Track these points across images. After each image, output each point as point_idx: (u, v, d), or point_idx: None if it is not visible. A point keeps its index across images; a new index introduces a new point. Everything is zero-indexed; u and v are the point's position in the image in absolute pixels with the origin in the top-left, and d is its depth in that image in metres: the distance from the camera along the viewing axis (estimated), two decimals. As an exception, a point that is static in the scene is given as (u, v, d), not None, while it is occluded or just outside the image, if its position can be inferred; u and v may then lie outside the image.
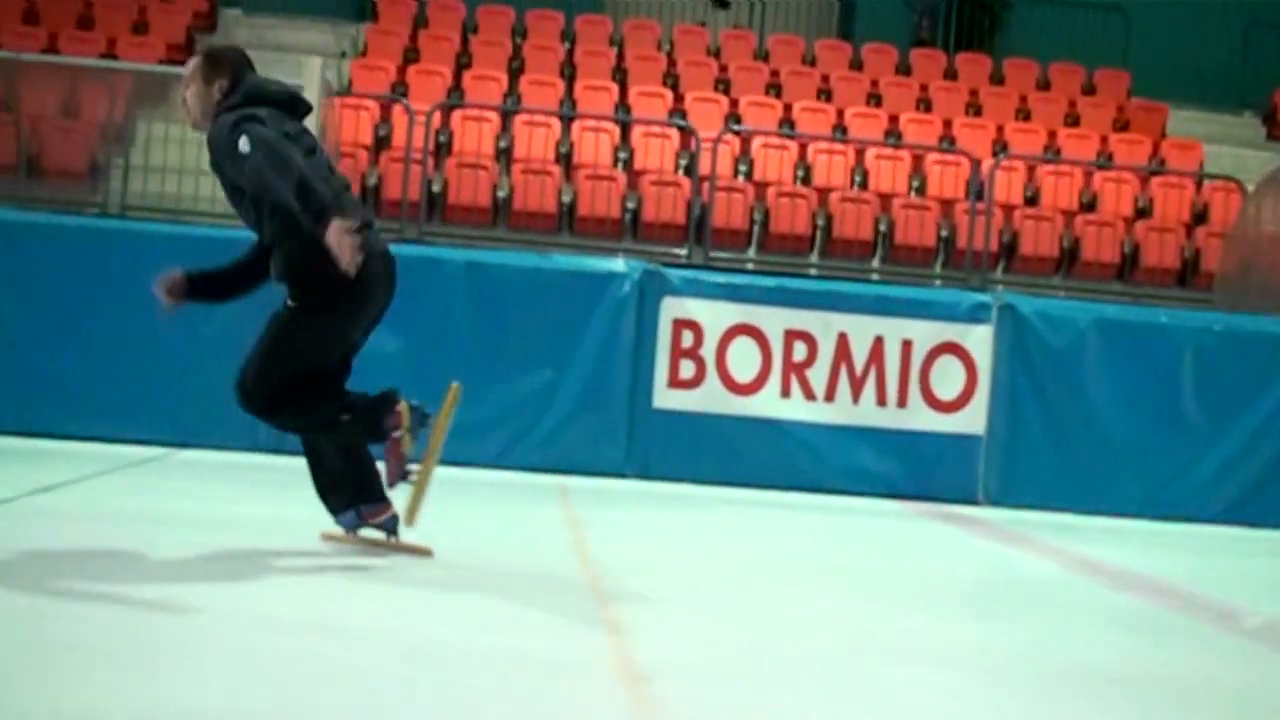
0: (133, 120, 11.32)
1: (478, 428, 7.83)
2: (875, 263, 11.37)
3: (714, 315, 7.98)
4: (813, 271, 11.12)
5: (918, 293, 8.48)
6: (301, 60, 13.40)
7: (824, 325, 8.01)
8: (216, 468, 7.20)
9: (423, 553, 4.68)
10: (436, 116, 11.18)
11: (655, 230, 11.15)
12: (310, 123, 11.64)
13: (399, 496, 4.71)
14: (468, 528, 5.82)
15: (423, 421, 4.56)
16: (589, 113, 12.19)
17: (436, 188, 11.01)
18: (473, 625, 3.76)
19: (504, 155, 11.71)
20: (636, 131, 11.98)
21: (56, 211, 9.34)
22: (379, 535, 4.77)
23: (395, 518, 4.70)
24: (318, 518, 5.62)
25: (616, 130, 12.01)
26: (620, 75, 13.35)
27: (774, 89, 13.47)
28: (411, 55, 13.23)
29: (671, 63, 13.67)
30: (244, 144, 4.12)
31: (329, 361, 4.55)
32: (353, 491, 4.69)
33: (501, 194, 11.22)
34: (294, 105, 4.48)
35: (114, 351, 7.68)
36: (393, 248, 8.51)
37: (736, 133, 11.89)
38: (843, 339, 8.01)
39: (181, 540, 4.71)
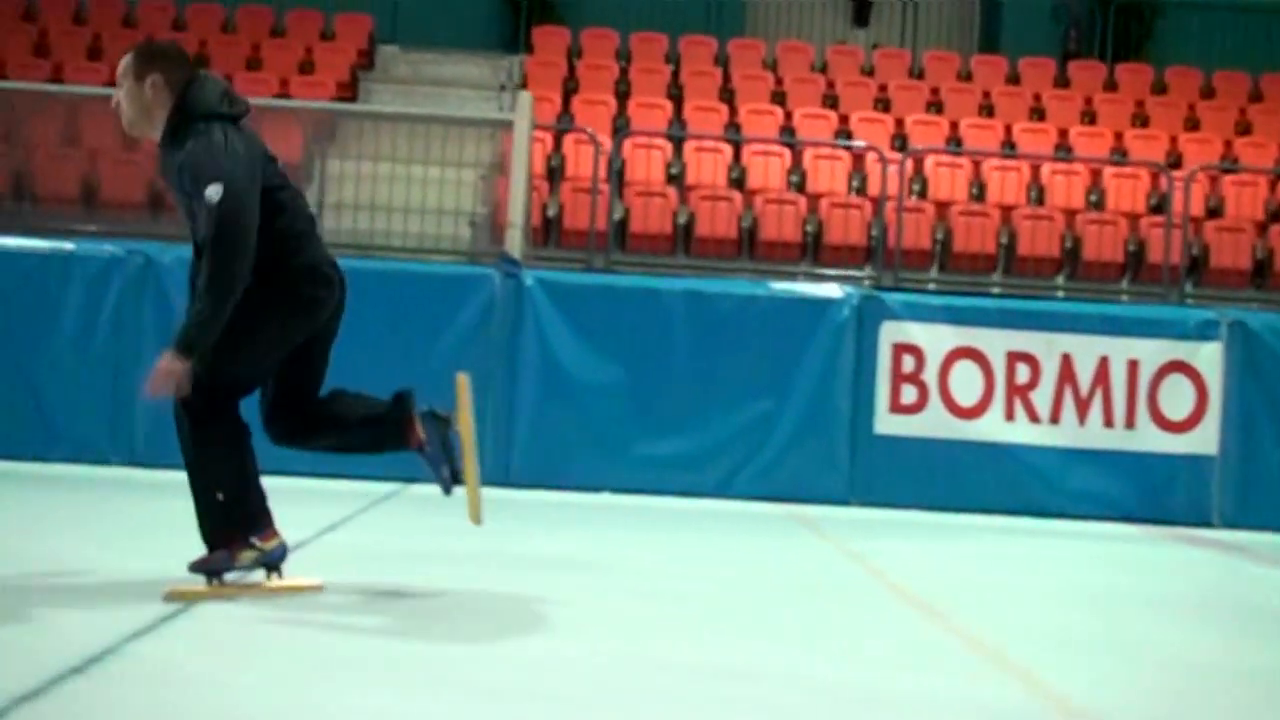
0: (309, 158, 11.51)
1: (699, 458, 7.86)
2: (1060, 280, 11.20)
3: (934, 339, 7.90)
4: (995, 290, 10.97)
5: (1143, 311, 8.34)
6: (464, 94, 13.63)
7: (1047, 346, 7.89)
8: (452, 502, 7.23)
9: (313, 589, 4.20)
10: (608, 145, 11.22)
11: (834, 253, 11.09)
12: (483, 153, 11.80)
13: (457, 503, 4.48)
14: (739, 560, 5.80)
15: (446, 425, 4.35)
16: (758, 136, 12.18)
17: (617, 216, 11.04)
18: (866, 662, 3.72)
19: (676, 181, 11.73)
20: (805, 154, 11.94)
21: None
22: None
23: (284, 549, 4.17)
24: (620, 553, 5.64)
25: (786, 153, 11.97)
26: (779, 97, 13.32)
27: (935, 106, 13.35)
28: (572, 85, 13.32)
29: (829, 84, 13.61)
30: (212, 193, 3.86)
31: (270, 368, 4.16)
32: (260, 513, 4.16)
33: (681, 220, 11.22)
34: (236, 112, 4.09)
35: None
36: (584, 279, 8.65)
37: (915, 153, 11.76)
38: (1066, 360, 7.88)
39: (503, 578, 4.74)
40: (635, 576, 5.15)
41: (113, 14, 13.85)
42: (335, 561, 4.86)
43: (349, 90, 13.12)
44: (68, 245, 7.90)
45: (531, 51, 14.06)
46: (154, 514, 5.99)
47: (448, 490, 4.41)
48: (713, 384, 7.87)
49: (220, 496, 4.06)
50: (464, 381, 4.37)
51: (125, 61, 4.10)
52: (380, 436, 4.38)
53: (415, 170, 10.93)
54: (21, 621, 3.65)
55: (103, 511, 6.33)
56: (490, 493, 7.52)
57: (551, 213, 11.14)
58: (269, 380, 4.21)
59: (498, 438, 7.83)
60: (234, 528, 4.06)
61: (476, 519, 4.45)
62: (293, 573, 4.27)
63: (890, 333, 7.89)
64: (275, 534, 4.13)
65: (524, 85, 13.42)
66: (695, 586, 4.94)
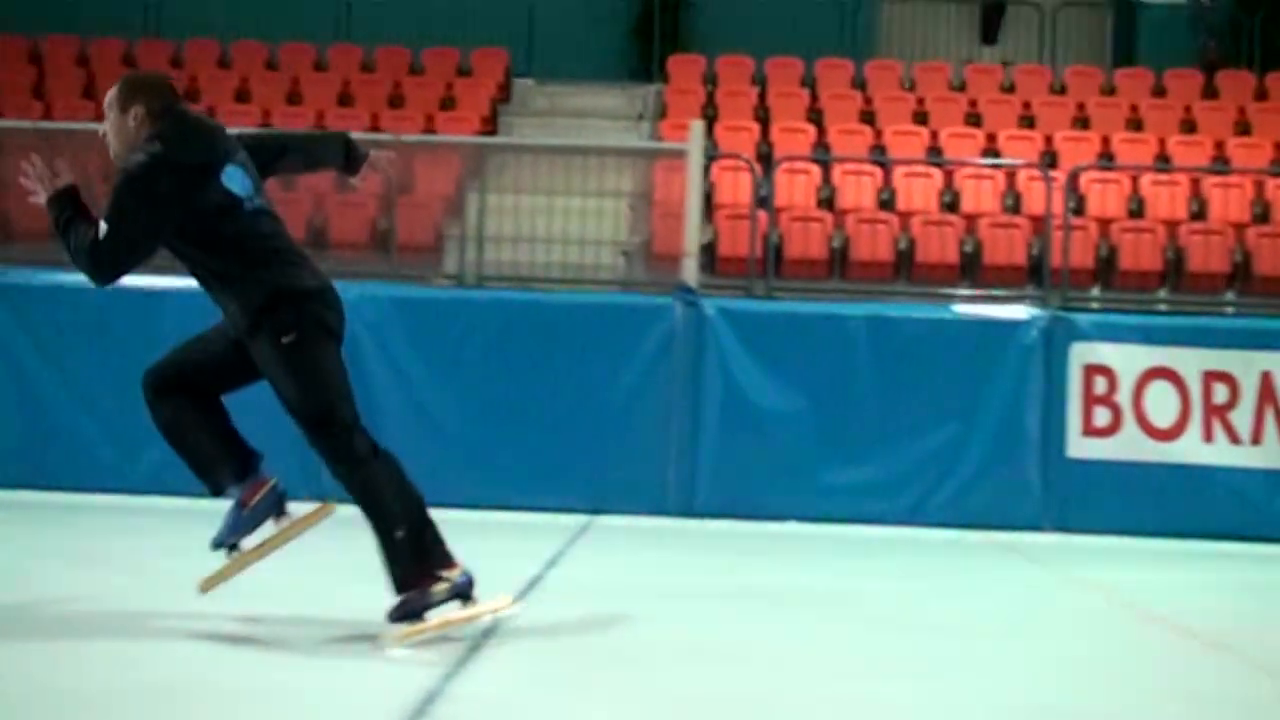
0: (462, 192, 11.60)
1: (887, 484, 7.74)
2: (1230, 295, 10.89)
3: (1127, 359, 7.71)
4: (1162, 307, 10.71)
5: (1346, 326, 8.07)
6: (601, 124, 13.67)
7: (1245, 365, 7.66)
8: (644, 533, 7.20)
9: (508, 609, 4.14)
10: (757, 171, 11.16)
11: (993, 274, 10.90)
12: (623, 182, 11.80)
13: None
14: (973, 589, 5.66)
15: (280, 511, 4.12)
16: (907, 158, 12.04)
17: (773, 242, 10.96)
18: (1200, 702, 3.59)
19: (825, 205, 11.64)
20: (956, 174, 11.78)
21: (410, 283, 9.59)
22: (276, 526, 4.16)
23: (280, 493, 4.14)
24: (844, 583, 5.54)
25: (937, 174, 11.82)
26: (922, 118, 13.18)
27: (1081, 122, 13.11)
28: (710, 112, 13.29)
29: (971, 102, 13.43)
30: (110, 209, 3.91)
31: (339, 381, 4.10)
32: (239, 461, 4.13)
33: (836, 244, 11.12)
34: (210, 147, 4.07)
35: (525, 421, 7.78)
36: (766, 306, 8.56)
37: (1086, 169, 11.53)
38: (1266, 378, 7.64)
39: (748, 612, 4.68)
40: (875, 607, 5.05)
41: (257, 58, 14.15)
42: (578, 596, 4.84)
43: (490, 124, 13.23)
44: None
45: (666, 80, 14.07)
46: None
47: (215, 546, 4.12)
48: (898, 409, 7.75)
49: (399, 534, 3.98)
50: (323, 509, 4.18)
51: (111, 94, 4.13)
52: (217, 460, 4.12)
53: (560, 201, 10.99)
54: (327, 669, 3.65)
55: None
56: (675, 523, 7.58)
57: (705, 240, 11.09)
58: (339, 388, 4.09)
59: (681, 469, 7.80)
60: (420, 564, 3.99)
61: (207, 586, 4.15)
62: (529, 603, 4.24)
63: (1081, 354, 7.72)
64: (456, 563, 4.05)
65: (662, 114, 13.45)
66: (945, 618, 4.83)
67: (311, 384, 3.97)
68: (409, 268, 10.71)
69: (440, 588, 3.97)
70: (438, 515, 7.23)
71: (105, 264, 3.91)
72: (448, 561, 4.01)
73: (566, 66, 14.68)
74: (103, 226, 3.88)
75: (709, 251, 11.13)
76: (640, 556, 6.28)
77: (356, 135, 12.31)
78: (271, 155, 4.35)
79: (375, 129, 12.51)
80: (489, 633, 4.05)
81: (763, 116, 13.25)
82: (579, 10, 15.38)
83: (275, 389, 4.02)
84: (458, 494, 7.70)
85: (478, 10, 14.69)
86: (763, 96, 13.59)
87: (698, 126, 8.67)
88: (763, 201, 11.02)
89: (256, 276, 3.96)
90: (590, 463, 7.73)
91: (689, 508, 7.75)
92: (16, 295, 7.91)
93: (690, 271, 8.27)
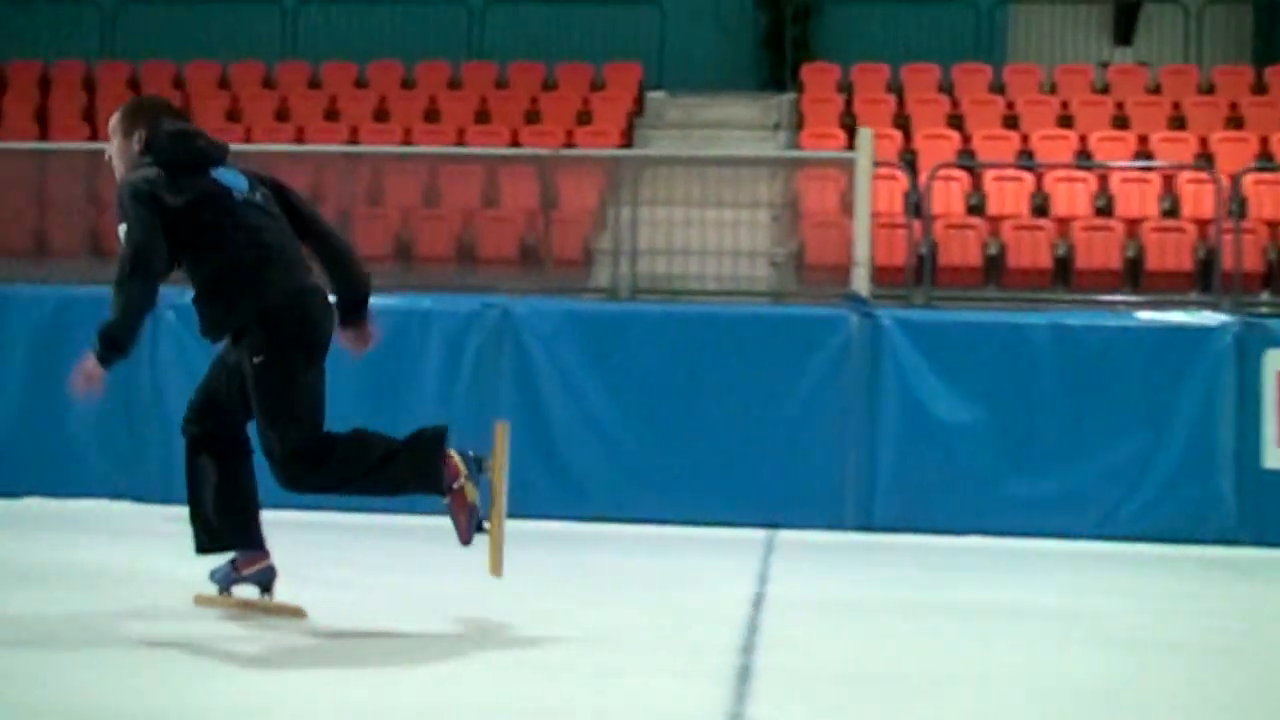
0: (603, 206, 11.58)
1: (1073, 497, 7.52)
2: None
3: (1325, 366, 7.41)
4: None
5: None
6: (737, 135, 13.58)
7: None
8: (829, 548, 7.07)
9: (294, 613, 4.29)
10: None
11: (1157, 279, 10.61)
12: (759, 193, 11.64)
13: (478, 550, 4.29)
14: (1209, 607, 5.45)
15: (480, 467, 4.21)
16: (1059, 162, 11.80)
17: (925, 250, 10.79)
18: None
19: (975, 212, 11.43)
20: (1114, 178, 11.50)
21: (564, 296, 9.57)
22: (250, 594, 4.43)
23: (271, 570, 4.38)
24: (1066, 599, 5.34)
25: (1090, 178, 11.56)
26: (1067, 121, 12.90)
27: (1234, 121, 12.74)
28: (848, 120, 13.14)
29: (1118, 105, 13.12)
30: (121, 230, 4.05)
31: (323, 403, 4.23)
32: (230, 535, 4.35)
33: (991, 252, 10.91)
34: (199, 159, 4.21)
35: (699, 435, 7.68)
36: (944, 316, 8.39)
37: (1248, 173, 11.21)
38: None
39: (979, 631, 4.53)
40: (1113, 625, 4.86)
41: (393, 77, 14.27)
42: (813, 613, 4.73)
43: (626, 137, 13.20)
44: (426, 301, 8.02)
45: (799, 90, 13.95)
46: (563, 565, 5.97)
47: (467, 539, 4.21)
48: (1083, 420, 7.53)
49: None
50: (503, 430, 4.25)
51: (114, 119, 4.27)
52: (404, 473, 4.19)
53: (704, 213, 10.91)
54: (591, 688, 3.59)
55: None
56: (855, 538, 7.44)
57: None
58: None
59: (858, 482, 7.66)
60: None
61: (498, 571, 4.23)
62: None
63: (1275, 361, 7.44)
64: (267, 554, 4.33)
65: (800, 124, 13.32)
66: (1202, 638, 4.61)
67: (276, 404, 4.09)
68: (558, 282, 10.74)
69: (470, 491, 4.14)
70: (617, 531, 7.27)
71: (135, 275, 4.00)
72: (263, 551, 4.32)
73: (696, 78, 14.64)
74: (121, 241, 4.03)
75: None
76: (844, 572, 6.15)
77: (497, 151, 12.44)
78: (307, 221, 4.43)
79: (515, 144, 12.58)
80: (747, 649, 3.95)
81: (903, 124, 13.08)
82: (708, 22, 15.35)
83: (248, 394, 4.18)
84: (633, 509, 7.69)
85: (610, 25, 14.71)
86: (901, 103, 13.41)
87: (866, 134, 8.54)
88: (914, 209, 10.87)
89: (229, 299, 4.11)
90: (766, 477, 7.61)
91: (867, 522, 7.61)
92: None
93: (862, 281, 8.16)
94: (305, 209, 4.44)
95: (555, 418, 7.73)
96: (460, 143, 12.60)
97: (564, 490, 7.63)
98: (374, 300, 4.58)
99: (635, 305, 8.69)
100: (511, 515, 4.26)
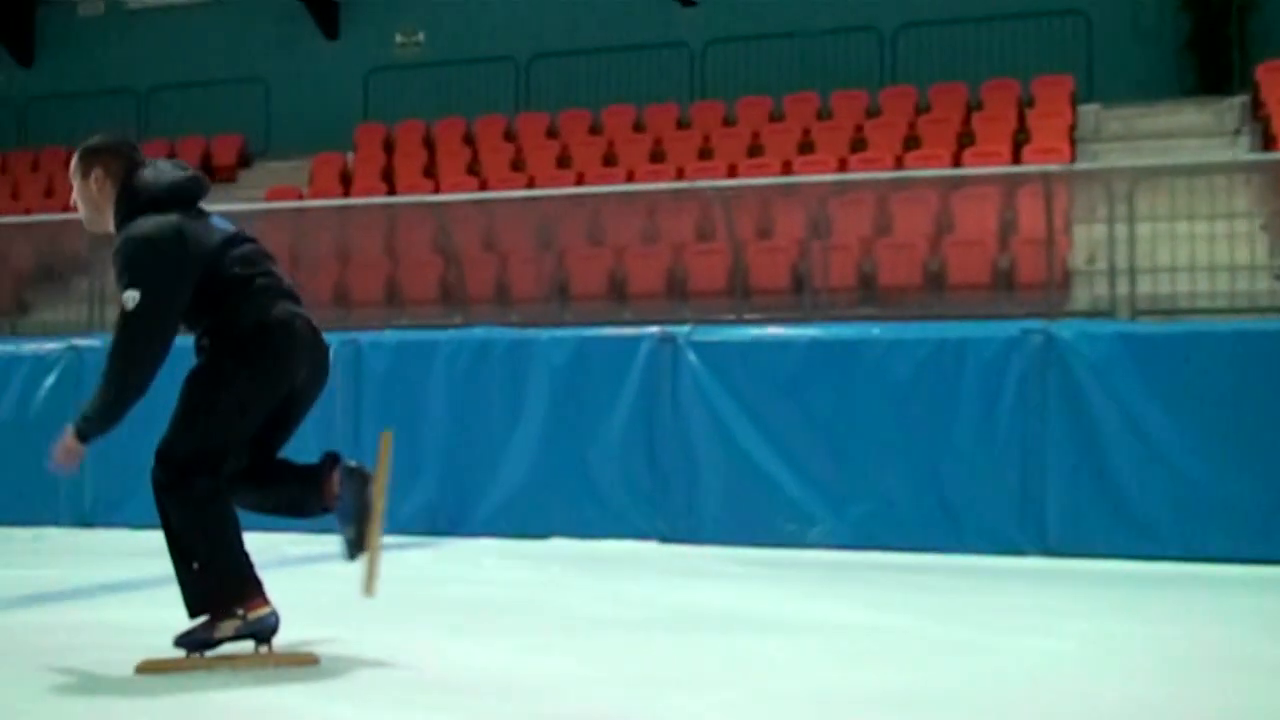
0: (1069, 226, 11.00)
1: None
2: None
3: None
4: None
5: None
6: (1188, 143, 12.67)
7: None
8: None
9: (307, 661, 3.98)
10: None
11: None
12: (1236, 203, 10.74)
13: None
14: None
15: (364, 483, 4.05)
16: None
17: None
18: None
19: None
20: None
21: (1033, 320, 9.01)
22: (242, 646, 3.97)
23: (275, 618, 3.96)
24: None
25: None
26: None
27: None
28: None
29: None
30: (128, 298, 3.79)
31: (244, 430, 3.97)
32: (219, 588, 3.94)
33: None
34: (188, 196, 4.03)
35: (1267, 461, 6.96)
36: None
37: None
38: None
39: None
40: None
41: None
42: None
43: (1069, 153, 12.52)
44: (959, 330, 7.63)
45: (1251, 91, 12.93)
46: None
47: (351, 554, 4.06)
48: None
49: (195, 565, 3.85)
50: (386, 441, 4.11)
51: (72, 163, 4.14)
52: (303, 495, 4.09)
53: (1179, 227, 10.17)
54: None
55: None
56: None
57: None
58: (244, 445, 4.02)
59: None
60: (215, 596, 3.88)
61: (372, 591, 4.02)
62: None
63: None
64: (265, 603, 3.91)
65: (1266, 126, 12.33)
66: None
67: (188, 400, 3.91)
68: (1029, 305, 10.17)
69: (229, 625, 3.87)
70: (1175, 571, 6.61)
71: (144, 336, 3.83)
72: (254, 600, 3.90)
73: (1125, 88, 13.84)
74: (128, 301, 3.81)
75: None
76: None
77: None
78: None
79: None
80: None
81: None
82: (1125, 32, 14.51)
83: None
84: (1161, 545, 6.91)
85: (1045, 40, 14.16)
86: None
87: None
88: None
89: (218, 327, 3.95)
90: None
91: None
92: (715, 351, 7.87)
93: None
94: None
95: (1110, 446, 7.16)
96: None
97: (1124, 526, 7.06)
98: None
99: (1199, 324, 8.03)
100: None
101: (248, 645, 3.95)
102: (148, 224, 3.90)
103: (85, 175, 4.11)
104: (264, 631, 3.94)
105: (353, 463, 4.12)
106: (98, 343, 9.15)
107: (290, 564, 6.90)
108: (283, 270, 4.15)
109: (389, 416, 8.30)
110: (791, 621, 4.92)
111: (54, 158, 16.38)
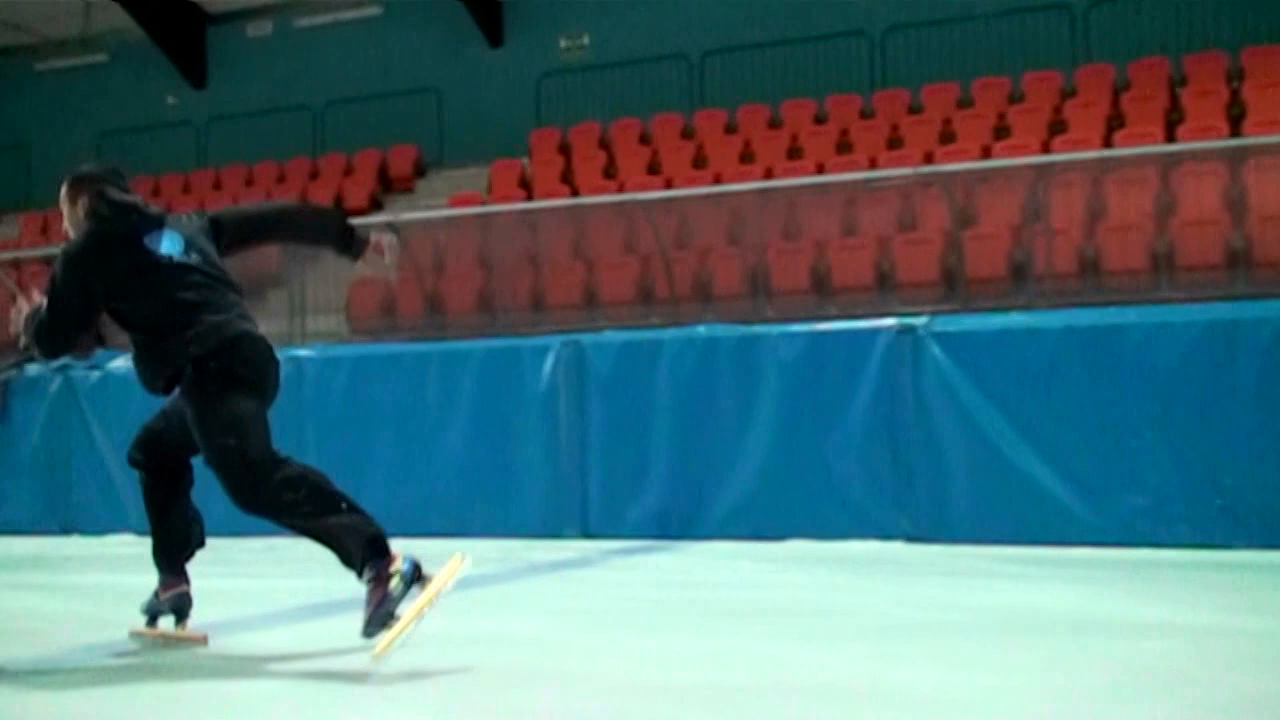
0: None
1: None
2: None
3: None
4: None
5: None
6: None
7: None
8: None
9: (196, 641, 4.38)
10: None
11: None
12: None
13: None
14: None
15: (419, 580, 4.01)
16: None
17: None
18: None
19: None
20: None
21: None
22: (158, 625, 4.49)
23: (187, 597, 4.47)
24: None
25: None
26: None
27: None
28: None
29: None
30: (45, 297, 4.21)
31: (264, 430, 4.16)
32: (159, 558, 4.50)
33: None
34: (131, 230, 4.24)
35: None
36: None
37: None
38: None
39: None
40: None
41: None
42: None
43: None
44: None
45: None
46: None
47: (371, 631, 3.99)
48: None
49: (344, 506, 4.06)
50: (458, 559, 4.02)
51: (61, 190, 4.35)
52: (345, 531, 4.07)
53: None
54: None
55: None
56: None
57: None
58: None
59: None
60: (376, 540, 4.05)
61: (383, 651, 3.92)
62: None
63: None
64: (395, 554, 4.03)
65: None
66: None
67: (210, 425, 4.10)
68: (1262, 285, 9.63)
69: (395, 584, 3.96)
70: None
71: (46, 338, 4.22)
72: (388, 557, 4.01)
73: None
74: (44, 304, 4.20)
75: None
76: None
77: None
78: (257, 227, 4.55)
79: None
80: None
81: None
82: None
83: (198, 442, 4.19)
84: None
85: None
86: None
87: None
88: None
89: (161, 355, 4.18)
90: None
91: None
92: (959, 342, 7.51)
93: None
94: (250, 219, 4.54)
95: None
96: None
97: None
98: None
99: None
100: None
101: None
102: (74, 242, 4.27)
103: (73, 203, 4.37)
104: (416, 573, 4.03)
105: (417, 560, 4.09)
106: (304, 352, 9.14)
107: (542, 571, 6.71)
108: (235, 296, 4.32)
109: (614, 418, 8.14)
110: (1147, 624, 4.52)
111: (234, 176, 16.63)
